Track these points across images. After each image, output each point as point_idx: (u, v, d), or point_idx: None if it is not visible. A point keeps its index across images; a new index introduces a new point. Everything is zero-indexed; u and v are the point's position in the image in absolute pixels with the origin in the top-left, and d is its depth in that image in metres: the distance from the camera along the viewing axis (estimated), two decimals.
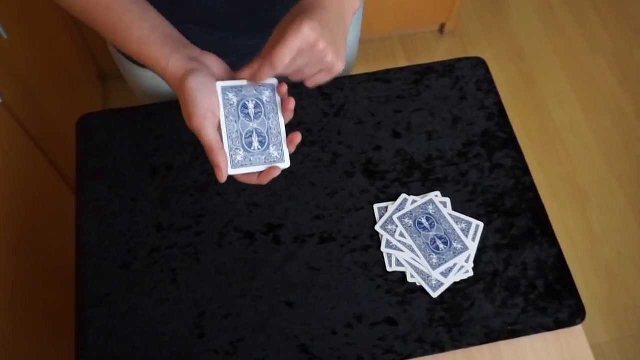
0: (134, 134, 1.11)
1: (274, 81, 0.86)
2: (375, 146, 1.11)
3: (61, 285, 1.55)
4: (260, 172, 0.83)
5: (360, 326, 0.96)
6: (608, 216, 2.22)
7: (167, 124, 1.12)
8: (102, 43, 2.16)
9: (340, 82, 1.17)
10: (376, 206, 1.05)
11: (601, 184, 2.28)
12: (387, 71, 1.20)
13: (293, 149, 0.85)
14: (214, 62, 0.84)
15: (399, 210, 1.04)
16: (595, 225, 2.20)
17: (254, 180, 0.84)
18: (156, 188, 1.06)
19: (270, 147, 0.83)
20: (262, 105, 0.84)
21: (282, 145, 0.84)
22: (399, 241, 1.02)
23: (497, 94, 1.17)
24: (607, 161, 2.33)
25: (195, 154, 1.09)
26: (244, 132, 0.82)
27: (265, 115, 0.84)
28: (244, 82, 0.84)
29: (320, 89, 1.16)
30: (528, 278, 1.00)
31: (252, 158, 0.82)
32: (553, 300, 0.99)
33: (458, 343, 0.95)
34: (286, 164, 0.84)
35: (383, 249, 1.02)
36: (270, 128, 0.84)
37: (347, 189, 1.07)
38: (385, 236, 1.02)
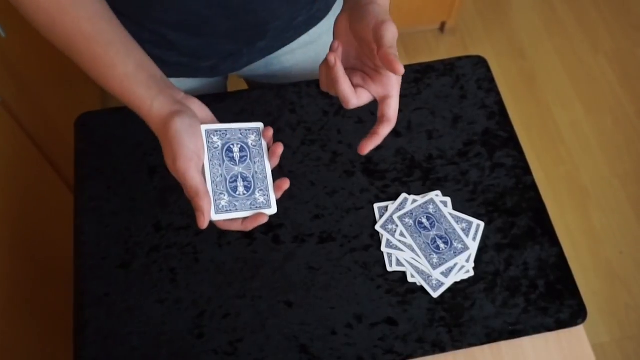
0: (133, 133, 1.11)
1: (259, 125, 0.85)
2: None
3: (59, 285, 1.55)
4: (245, 218, 0.81)
5: (360, 326, 0.96)
6: (609, 215, 2.22)
7: None
8: None
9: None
10: (376, 206, 1.05)
11: (602, 183, 2.28)
12: None
13: (279, 195, 0.83)
14: (197, 106, 0.83)
15: (399, 210, 1.04)
16: (597, 224, 2.20)
17: (237, 227, 0.81)
18: (155, 187, 1.06)
19: (256, 192, 0.82)
20: (247, 149, 0.83)
21: (268, 191, 0.82)
22: (399, 241, 1.01)
23: (498, 93, 1.17)
24: (609, 160, 2.33)
25: None
26: (229, 176, 0.81)
27: (250, 159, 0.83)
28: (228, 126, 0.83)
29: (319, 87, 1.16)
30: (529, 278, 1.00)
31: (237, 203, 0.80)
32: (554, 300, 0.99)
33: (459, 343, 0.95)
34: (272, 210, 0.82)
35: (383, 248, 1.02)
36: (256, 172, 0.83)
37: (347, 189, 1.07)
38: (385, 236, 1.02)
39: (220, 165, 0.81)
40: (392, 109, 0.82)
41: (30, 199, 1.47)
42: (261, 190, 0.82)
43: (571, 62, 2.55)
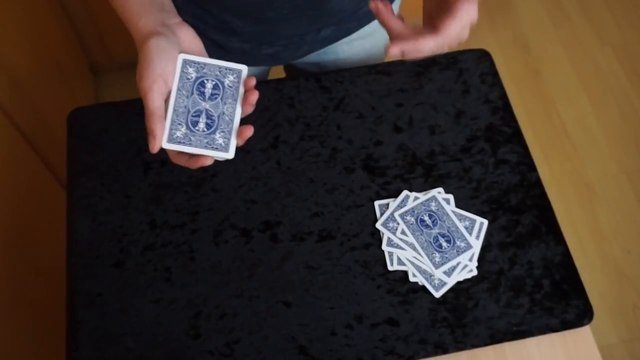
0: (127, 128, 1.11)
1: (242, 67, 0.83)
2: (376, 141, 1.11)
3: (51, 285, 1.55)
4: (193, 156, 0.80)
5: (360, 327, 0.96)
6: (617, 213, 2.22)
7: None
8: (94, 35, 2.16)
9: (340, 75, 1.17)
10: (377, 203, 1.05)
11: (610, 180, 2.28)
12: (389, 63, 1.20)
13: (242, 143, 0.81)
14: (187, 36, 0.83)
15: (401, 207, 1.04)
16: (604, 222, 2.20)
17: (182, 161, 0.81)
18: (149, 184, 1.06)
19: (217, 133, 0.80)
20: (221, 88, 0.82)
21: (230, 135, 0.80)
22: (401, 239, 1.02)
23: (501, 87, 1.17)
24: (616, 156, 2.33)
25: None
26: (193, 109, 0.80)
27: (221, 99, 0.81)
28: (208, 60, 0.82)
29: (319, 81, 1.16)
30: (534, 277, 1.01)
31: (192, 138, 0.79)
32: (560, 300, 0.99)
33: (461, 344, 0.95)
34: (229, 154, 0.80)
35: (384, 247, 1.02)
36: (223, 113, 0.81)
37: (346, 185, 1.07)
38: (386, 234, 1.02)
39: (187, 97, 0.80)
40: (450, 26, 0.79)
41: (21, 196, 1.47)
42: (223, 132, 0.80)
43: (577, 55, 2.55)
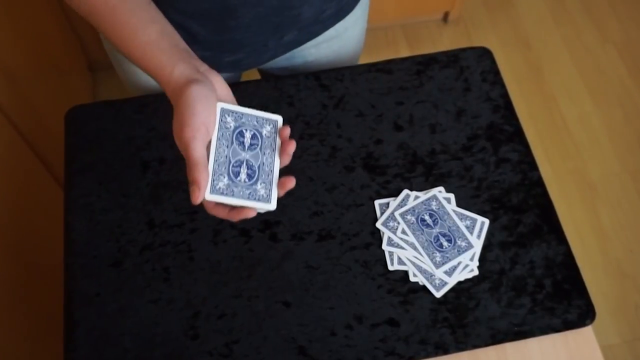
0: (125, 127, 1.11)
1: (278, 118, 0.84)
2: (376, 139, 1.11)
3: (49, 285, 1.55)
4: (234, 207, 0.80)
5: (360, 327, 0.96)
6: (619, 213, 2.22)
7: (160, 116, 1.11)
8: (91, 33, 2.16)
9: (340, 73, 1.17)
10: (377, 202, 1.05)
11: (612, 179, 2.28)
12: (389, 61, 1.20)
13: (282, 194, 0.82)
14: (218, 82, 0.82)
15: (401, 207, 1.04)
16: (606, 222, 2.20)
17: (223, 214, 0.80)
18: (148, 183, 1.06)
19: (258, 184, 0.80)
20: (259, 138, 0.82)
21: (271, 185, 0.81)
22: (401, 239, 1.02)
23: (503, 85, 1.17)
24: (618, 155, 2.33)
25: None
26: (234, 160, 0.79)
27: (260, 149, 0.81)
28: (246, 110, 0.82)
29: (319, 79, 1.16)
30: (535, 277, 1.01)
31: (235, 189, 0.78)
32: (561, 300, 0.99)
33: (462, 345, 0.96)
34: (271, 206, 0.80)
35: (384, 246, 1.02)
36: (263, 164, 0.81)
37: (346, 184, 1.07)
38: (386, 233, 1.02)
39: (227, 147, 0.79)
40: None
41: (18, 195, 1.47)
42: (264, 182, 0.80)
43: (579, 53, 2.55)
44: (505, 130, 1.13)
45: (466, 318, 0.97)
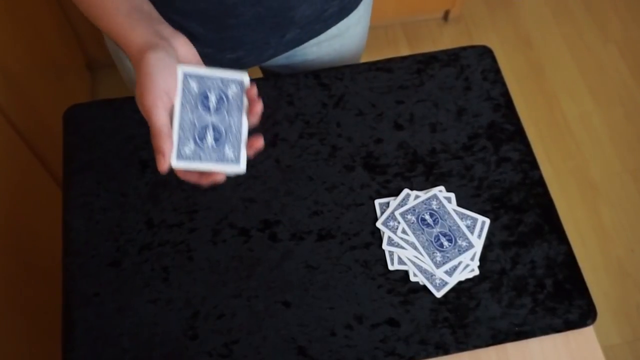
0: (124, 126, 1.11)
1: (244, 77, 0.82)
2: (376, 139, 1.11)
3: (47, 284, 1.55)
4: (203, 172, 0.79)
5: (360, 327, 0.96)
6: (620, 212, 2.22)
7: None
8: (90, 31, 2.15)
9: (340, 72, 1.17)
10: (377, 201, 1.05)
11: (613, 179, 2.28)
12: (389, 60, 1.20)
13: (252, 155, 0.81)
14: (183, 45, 0.82)
15: (401, 206, 1.04)
16: (607, 221, 2.20)
17: (193, 179, 0.80)
18: (147, 182, 1.06)
19: (226, 146, 0.79)
20: (225, 100, 0.80)
21: (239, 147, 0.79)
22: (401, 238, 1.02)
23: (504, 84, 1.17)
24: (620, 154, 2.33)
25: None
26: (199, 124, 0.78)
27: (227, 112, 0.80)
28: (209, 72, 0.81)
29: (318, 78, 1.16)
30: (536, 277, 1.01)
31: (202, 153, 0.77)
32: (562, 300, 0.99)
33: (463, 345, 0.95)
34: (241, 168, 0.79)
35: (384, 246, 1.02)
36: (230, 126, 0.80)
37: (346, 184, 1.07)
38: (386, 233, 1.02)
39: (192, 111, 0.78)
40: None
41: (16, 195, 1.47)
42: (232, 144, 0.79)
43: (580, 51, 2.55)
44: (506, 129, 1.13)
45: (467, 318, 0.97)
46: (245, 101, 0.82)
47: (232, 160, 0.79)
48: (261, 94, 1.13)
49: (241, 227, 1.03)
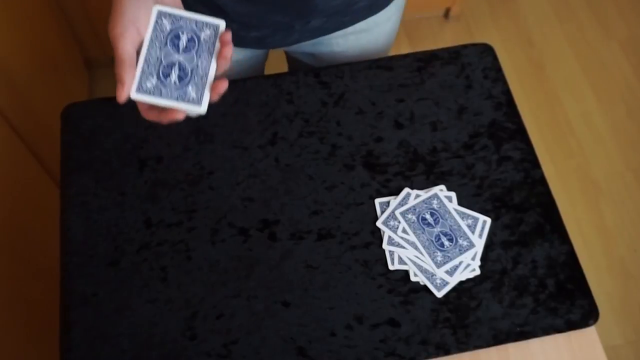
0: (122, 125, 1.11)
1: (220, 22, 0.82)
2: (376, 137, 1.11)
3: (45, 284, 1.55)
4: (163, 109, 0.80)
5: (360, 327, 0.96)
6: (623, 211, 2.22)
7: None
8: (88, 28, 2.15)
9: (340, 70, 1.17)
10: (377, 201, 1.05)
11: (615, 178, 2.28)
12: (389, 58, 1.19)
13: (216, 98, 0.80)
14: None
15: (402, 205, 1.04)
16: (609, 221, 2.20)
17: (153, 116, 0.80)
18: (145, 182, 1.06)
19: (189, 85, 0.79)
20: (196, 42, 0.80)
21: (203, 88, 0.79)
22: (402, 238, 1.02)
23: (505, 83, 1.17)
24: (622, 153, 2.33)
25: (187, 145, 1.09)
26: (165, 61, 0.79)
27: (196, 53, 0.80)
28: (185, 13, 0.81)
29: (318, 77, 1.16)
30: (538, 277, 1.01)
31: (163, 89, 0.78)
32: (564, 300, 0.99)
33: (464, 345, 0.96)
34: (202, 109, 0.79)
35: (385, 246, 1.02)
36: (197, 67, 0.79)
37: (346, 183, 1.07)
38: (387, 232, 1.02)
39: (160, 48, 0.79)
40: None
41: (13, 194, 1.47)
42: (196, 85, 0.79)
43: (582, 50, 2.55)
44: (507, 128, 1.13)
45: (468, 318, 0.97)
46: (218, 45, 0.81)
47: (193, 100, 0.79)
48: (261, 92, 1.14)
49: (240, 227, 1.03)
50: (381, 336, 0.96)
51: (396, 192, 1.06)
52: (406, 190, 1.06)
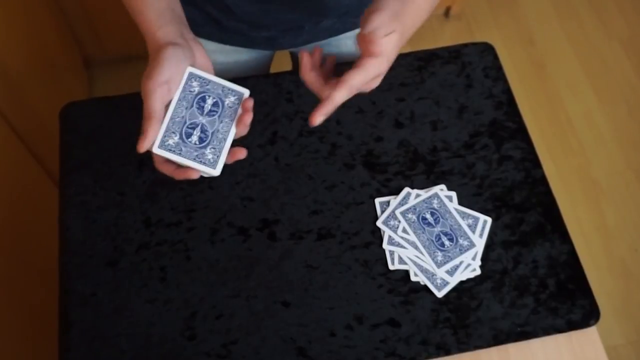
0: (121, 124, 1.11)
1: (245, 91, 0.86)
2: (376, 137, 1.11)
3: (44, 284, 1.55)
4: (180, 166, 0.83)
5: (360, 328, 0.96)
6: (624, 211, 2.22)
7: None
8: (87, 27, 2.15)
9: (340, 69, 1.17)
10: (377, 200, 1.05)
11: (616, 177, 2.28)
12: None
13: (231, 161, 0.84)
14: (200, 51, 0.86)
15: (402, 205, 1.04)
16: (610, 220, 2.20)
17: (168, 170, 0.83)
18: (144, 181, 1.06)
19: (208, 148, 0.83)
20: (220, 107, 0.84)
21: (220, 152, 0.83)
22: (402, 237, 1.02)
23: (505, 82, 1.17)
24: (623, 153, 2.33)
25: None
26: (190, 121, 0.82)
27: (218, 117, 0.84)
28: (214, 78, 0.85)
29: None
30: (539, 277, 1.01)
31: (183, 148, 0.81)
32: (565, 300, 0.99)
33: (464, 345, 0.96)
34: (216, 171, 0.82)
35: (385, 245, 1.02)
36: (218, 131, 0.83)
37: (346, 182, 1.07)
38: (387, 232, 1.02)
39: (186, 108, 0.83)
40: (354, 78, 0.85)
41: (12, 194, 1.47)
42: (214, 148, 0.83)
43: (583, 49, 2.55)
44: (508, 127, 1.13)
45: (468, 318, 0.97)
46: (240, 111, 0.85)
47: (209, 163, 0.82)
48: (260, 91, 1.14)
49: (240, 227, 1.03)
50: (381, 336, 0.96)
51: (396, 192, 1.06)
52: (406, 189, 1.06)
